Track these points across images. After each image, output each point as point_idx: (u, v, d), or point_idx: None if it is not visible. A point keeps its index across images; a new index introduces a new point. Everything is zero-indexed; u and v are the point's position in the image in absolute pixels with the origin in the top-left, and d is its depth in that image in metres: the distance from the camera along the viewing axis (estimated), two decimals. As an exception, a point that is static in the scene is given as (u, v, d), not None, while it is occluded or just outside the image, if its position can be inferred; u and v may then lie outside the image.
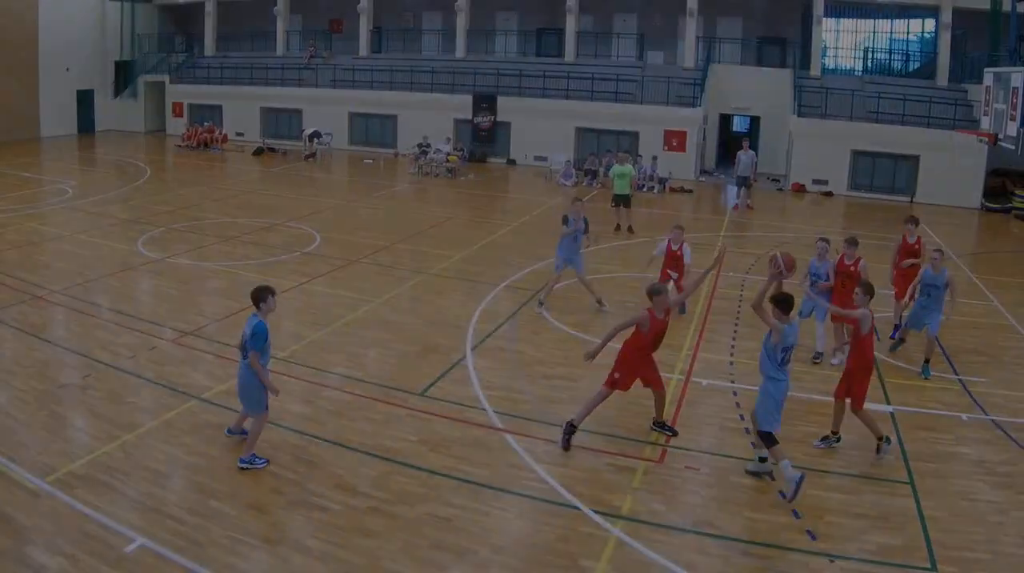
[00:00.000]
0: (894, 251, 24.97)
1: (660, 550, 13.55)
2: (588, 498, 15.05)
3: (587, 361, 17.44)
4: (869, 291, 17.40)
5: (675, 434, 17.91)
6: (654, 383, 17.79)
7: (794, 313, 15.95)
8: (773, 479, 16.01)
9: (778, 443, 15.68)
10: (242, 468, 15.87)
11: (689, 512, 14.98)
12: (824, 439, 17.66)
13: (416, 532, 13.76)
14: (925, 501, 15.47)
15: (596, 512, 14.61)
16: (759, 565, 13.39)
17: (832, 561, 13.47)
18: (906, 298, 23.39)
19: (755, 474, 16.37)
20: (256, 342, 15.46)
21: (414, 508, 14.49)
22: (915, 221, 24.92)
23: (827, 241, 22.40)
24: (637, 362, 17.42)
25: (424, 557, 13.11)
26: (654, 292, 17.27)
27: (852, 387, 17.11)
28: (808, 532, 14.26)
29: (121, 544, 12.94)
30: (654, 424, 18.11)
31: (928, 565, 13.46)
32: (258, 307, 15.77)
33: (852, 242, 22.35)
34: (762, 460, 16.33)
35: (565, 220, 25.91)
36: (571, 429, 17.19)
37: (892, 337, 23.97)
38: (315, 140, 60.25)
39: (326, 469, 15.74)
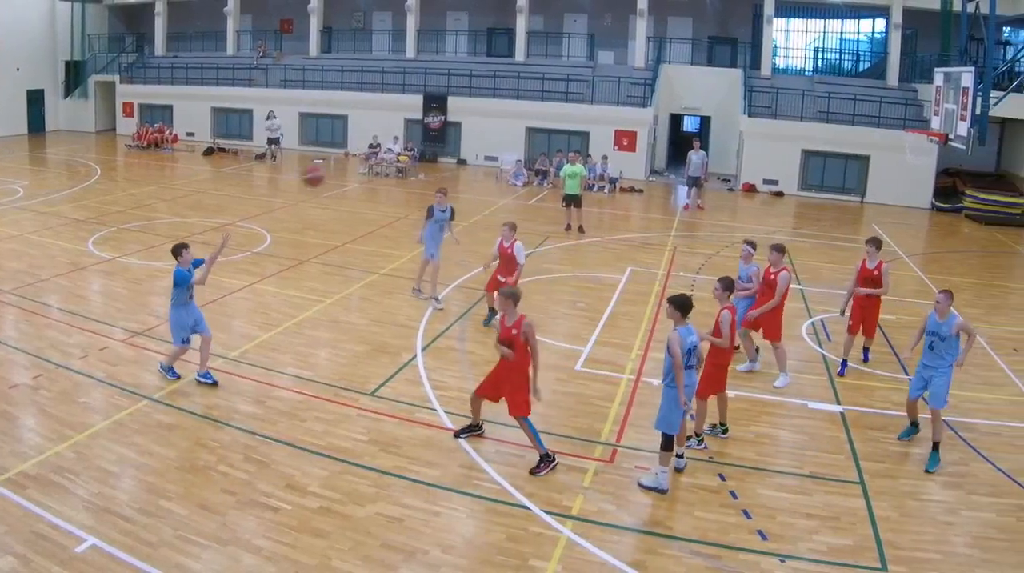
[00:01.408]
0: (852, 278, 22.47)
1: (610, 550, 13.62)
2: (538, 498, 15.10)
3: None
4: (728, 287, 17.64)
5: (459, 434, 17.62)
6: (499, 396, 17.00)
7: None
8: (724, 479, 16.17)
9: (672, 450, 15.90)
10: (160, 369, 19.83)
11: (639, 512, 15.05)
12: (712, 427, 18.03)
13: (366, 532, 13.77)
14: (876, 501, 15.61)
15: (546, 512, 14.66)
16: (709, 565, 13.43)
17: (783, 561, 13.58)
18: (909, 350, 18.95)
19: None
20: (175, 282, 19.25)
21: (364, 508, 14.51)
22: (877, 243, 22.21)
23: (753, 244, 21.90)
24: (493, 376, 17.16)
25: (374, 557, 13.11)
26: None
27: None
28: (759, 532, 14.36)
29: (72, 544, 12.88)
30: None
31: (879, 565, 13.59)
32: (176, 260, 19.46)
33: (778, 249, 21.57)
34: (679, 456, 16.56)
35: (430, 212, 26.16)
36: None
37: (840, 373, 22.02)
38: (276, 144, 59.63)
39: (276, 469, 15.71)
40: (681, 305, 15.71)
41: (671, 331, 15.56)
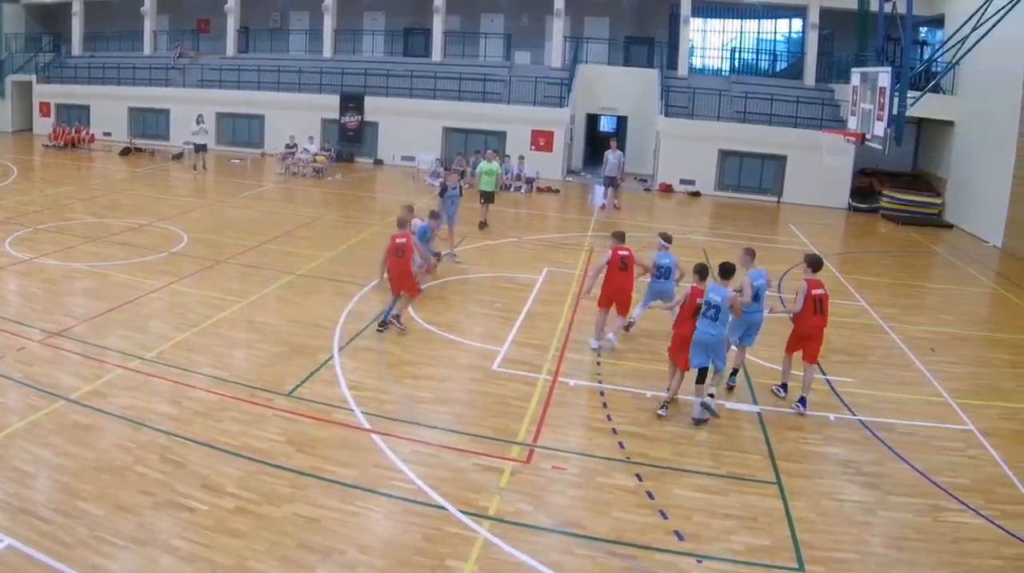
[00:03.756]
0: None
1: (527, 550, 13.60)
2: (455, 498, 15.05)
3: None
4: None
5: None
6: None
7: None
8: (641, 479, 16.28)
9: (703, 382, 18.85)
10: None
11: (556, 512, 15.01)
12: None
13: (283, 532, 13.67)
14: (793, 501, 15.70)
15: (463, 512, 14.61)
16: (626, 565, 13.45)
17: (700, 561, 13.60)
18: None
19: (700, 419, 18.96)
20: (421, 234, 26.47)
21: (281, 508, 14.41)
22: (810, 261, 20.43)
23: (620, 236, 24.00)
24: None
25: (291, 557, 13.02)
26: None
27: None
28: (675, 532, 14.38)
29: (-12, 545, 12.76)
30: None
31: (796, 565, 13.67)
32: (430, 221, 27.41)
33: (617, 236, 24.05)
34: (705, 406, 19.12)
35: (444, 189, 32.65)
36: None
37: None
38: (203, 151, 57.05)
39: (193, 469, 15.54)
40: (699, 270, 19.43)
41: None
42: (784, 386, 20.73)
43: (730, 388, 20.85)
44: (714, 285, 18.88)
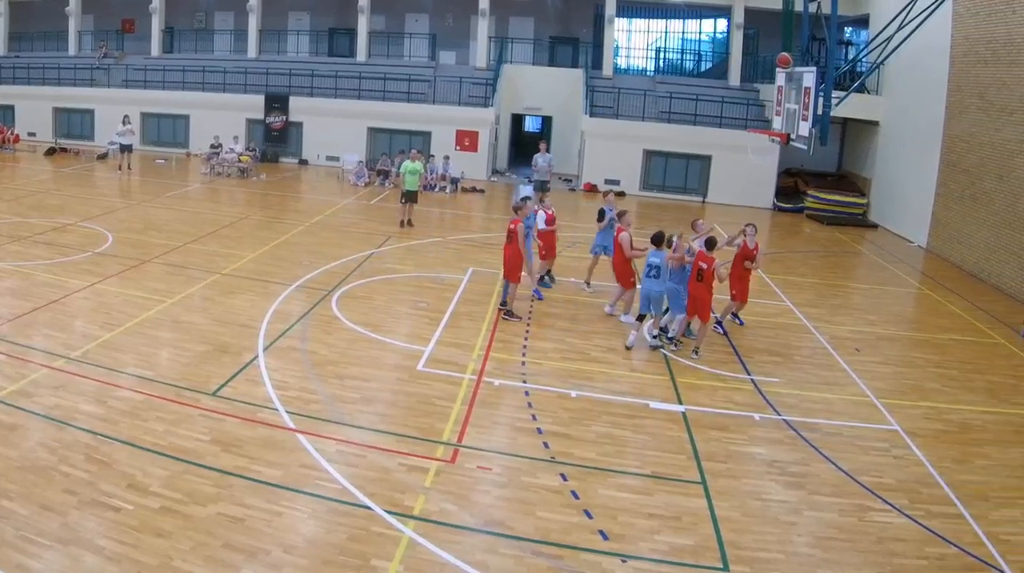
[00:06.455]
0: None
1: (452, 550, 13.56)
2: (380, 498, 14.99)
3: None
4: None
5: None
6: None
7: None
8: (566, 479, 16.29)
9: (642, 321, 24.27)
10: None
11: (481, 512, 14.97)
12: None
13: (208, 532, 13.54)
14: (717, 501, 15.75)
15: (388, 512, 14.55)
16: (551, 565, 13.44)
17: (624, 561, 13.59)
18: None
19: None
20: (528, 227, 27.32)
21: (206, 508, 14.27)
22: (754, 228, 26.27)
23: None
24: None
25: (216, 557, 12.91)
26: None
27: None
28: (600, 532, 14.39)
29: (-89, 544, 12.57)
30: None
31: (720, 565, 13.70)
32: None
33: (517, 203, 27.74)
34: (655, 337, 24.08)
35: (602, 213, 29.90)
36: None
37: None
38: (128, 151, 56.29)
39: (118, 469, 15.36)
40: (654, 238, 23.66)
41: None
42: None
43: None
44: (653, 251, 23.52)
